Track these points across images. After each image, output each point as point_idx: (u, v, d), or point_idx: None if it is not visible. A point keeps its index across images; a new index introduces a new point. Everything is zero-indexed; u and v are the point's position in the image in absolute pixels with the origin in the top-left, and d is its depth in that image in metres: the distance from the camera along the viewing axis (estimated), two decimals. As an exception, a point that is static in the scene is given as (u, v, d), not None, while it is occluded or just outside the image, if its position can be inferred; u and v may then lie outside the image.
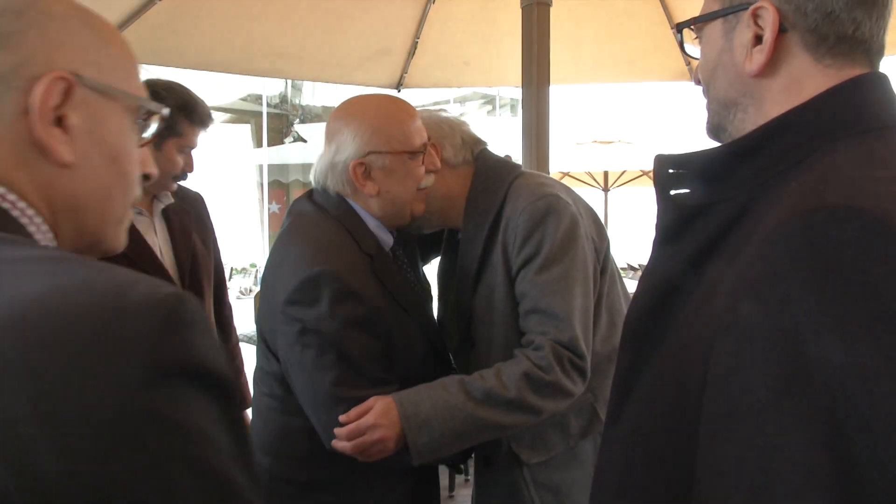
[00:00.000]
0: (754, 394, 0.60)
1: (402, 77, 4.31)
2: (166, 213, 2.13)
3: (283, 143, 11.26)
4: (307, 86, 11.33)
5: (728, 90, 0.83)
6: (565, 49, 3.98)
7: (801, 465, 0.56)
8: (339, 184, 1.56)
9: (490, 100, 11.90)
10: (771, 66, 0.78)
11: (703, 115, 0.90)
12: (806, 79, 0.76)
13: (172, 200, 2.13)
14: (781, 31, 0.76)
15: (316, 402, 1.45)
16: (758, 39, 0.78)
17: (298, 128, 11.27)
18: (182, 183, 2.16)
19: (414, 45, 4.05)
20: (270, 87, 10.97)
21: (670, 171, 0.83)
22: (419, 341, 1.57)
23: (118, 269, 0.56)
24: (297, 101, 11.56)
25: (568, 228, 1.55)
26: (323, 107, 11.92)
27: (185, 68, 3.84)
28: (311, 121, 11.83)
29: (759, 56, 0.77)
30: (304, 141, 11.11)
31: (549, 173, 2.57)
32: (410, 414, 1.40)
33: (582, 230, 1.59)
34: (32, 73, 0.61)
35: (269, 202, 11.28)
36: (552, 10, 2.80)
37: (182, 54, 3.70)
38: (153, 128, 0.73)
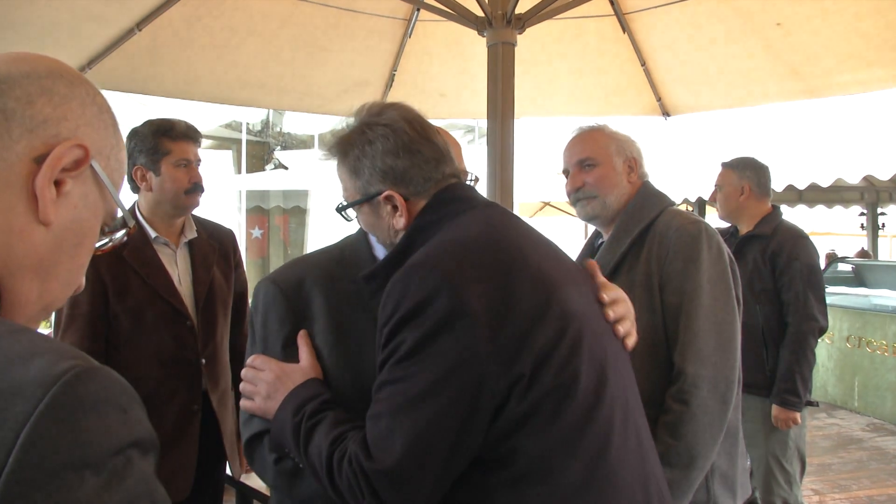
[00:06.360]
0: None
1: (379, 108, 4.38)
2: (191, 246, 2.33)
3: (264, 169, 11.29)
4: (289, 113, 11.40)
5: (391, 237, 1.24)
6: (538, 84, 4.07)
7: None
8: None
9: (470, 129, 12.06)
10: (410, 217, 1.20)
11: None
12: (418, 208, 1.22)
13: (196, 235, 2.34)
14: (406, 200, 1.20)
15: None
16: (395, 208, 1.20)
17: (280, 154, 11.31)
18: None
19: (391, 78, 4.12)
20: (252, 115, 11.03)
21: (372, 281, 1.21)
22: None
23: (25, 334, 0.56)
24: (279, 129, 11.62)
25: None
26: (306, 135, 11.98)
27: (163, 97, 3.89)
28: (294, 148, 11.88)
29: (401, 219, 1.20)
30: (286, 168, 11.15)
31: (513, 203, 2.65)
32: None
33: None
34: (59, 132, 0.67)
35: (252, 227, 11.27)
36: (525, 47, 2.89)
37: (161, 83, 3.74)
38: (115, 238, 0.77)
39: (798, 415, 2.93)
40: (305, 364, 1.23)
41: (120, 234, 0.77)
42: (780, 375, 2.95)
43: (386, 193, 1.19)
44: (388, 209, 1.21)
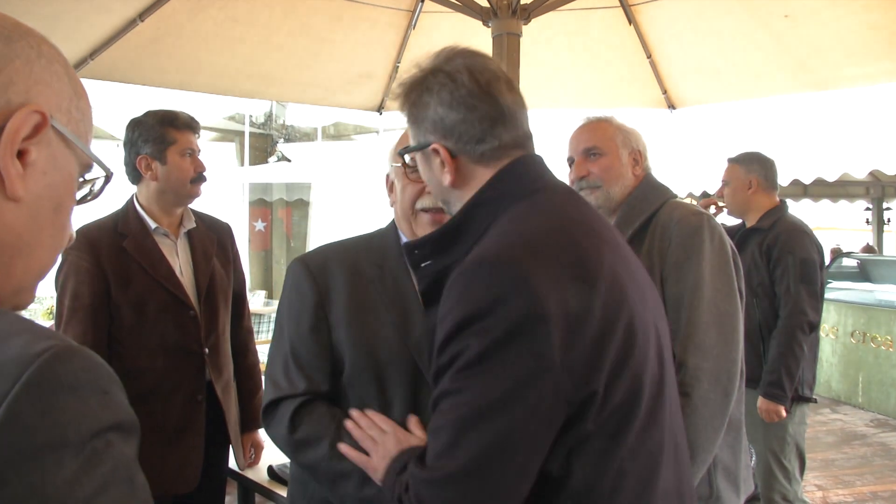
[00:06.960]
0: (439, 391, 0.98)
1: (383, 100, 4.36)
2: (190, 237, 2.33)
3: (266, 162, 11.26)
4: (292, 105, 11.37)
5: (441, 193, 1.19)
6: (543, 75, 4.05)
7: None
8: None
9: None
10: (458, 176, 1.13)
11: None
12: (480, 176, 1.12)
13: (195, 225, 2.33)
14: (453, 157, 1.12)
15: None
16: (444, 163, 1.13)
17: (283, 147, 11.27)
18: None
19: (395, 70, 4.10)
20: (255, 107, 10.98)
21: (416, 251, 1.16)
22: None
23: (2, 316, 0.53)
24: (283, 121, 11.58)
25: None
26: (309, 127, 11.95)
27: (166, 88, 3.87)
28: (297, 140, 11.85)
29: (448, 175, 1.13)
30: (289, 160, 11.10)
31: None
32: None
33: None
34: (9, 99, 0.61)
35: (255, 220, 11.25)
36: (530, 38, 2.86)
37: (164, 75, 3.73)
38: (95, 188, 0.72)
39: (783, 408, 2.91)
40: (423, 435, 1.22)
41: (100, 182, 0.72)
42: (766, 368, 2.95)
43: (434, 146, 1.12)
44: (438, 162, 1.13)
